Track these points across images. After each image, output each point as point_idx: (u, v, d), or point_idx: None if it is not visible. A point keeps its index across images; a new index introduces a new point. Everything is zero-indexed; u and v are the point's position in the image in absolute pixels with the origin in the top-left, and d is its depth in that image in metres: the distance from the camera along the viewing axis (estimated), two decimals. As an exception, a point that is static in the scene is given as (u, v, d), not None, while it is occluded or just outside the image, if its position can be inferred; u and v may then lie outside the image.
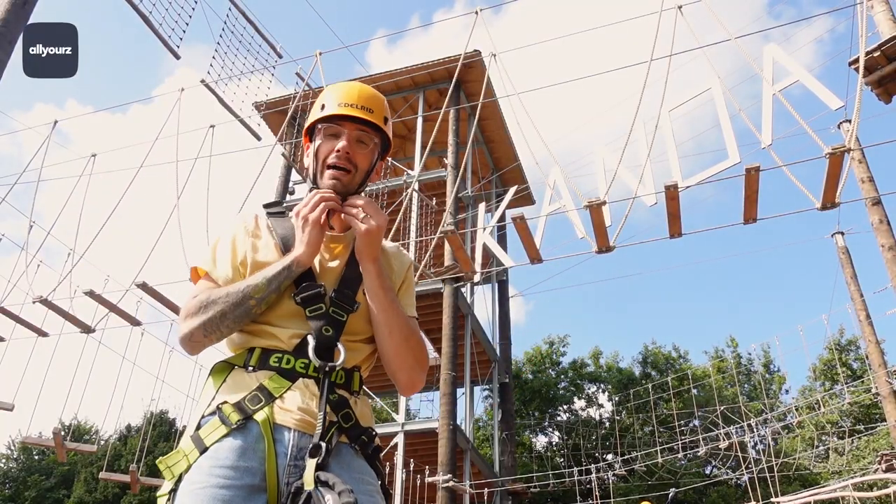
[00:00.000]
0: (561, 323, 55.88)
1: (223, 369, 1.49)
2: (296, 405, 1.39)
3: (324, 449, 1.33)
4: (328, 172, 1.55)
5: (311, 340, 1.44)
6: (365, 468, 1.42)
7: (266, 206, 1.71)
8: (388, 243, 1.71)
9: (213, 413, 1.40)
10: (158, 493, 1.38)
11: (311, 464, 1.31)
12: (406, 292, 1.66)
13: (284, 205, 1.71)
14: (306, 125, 1.65)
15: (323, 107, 1.60)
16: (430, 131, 11.62)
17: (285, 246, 1.56)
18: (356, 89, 1.61)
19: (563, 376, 25.57)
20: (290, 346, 1.45)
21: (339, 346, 1.46)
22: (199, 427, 1.40)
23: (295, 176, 15.74)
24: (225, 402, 1.39)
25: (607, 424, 23.47)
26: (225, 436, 1.35)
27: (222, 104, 8.36)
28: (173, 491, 1.34)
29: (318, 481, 1.27)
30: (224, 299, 1.44)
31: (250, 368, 1.45)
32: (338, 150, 1.55)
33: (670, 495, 12.58)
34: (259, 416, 1.36)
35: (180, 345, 1.49)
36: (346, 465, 1.37)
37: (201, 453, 1.34)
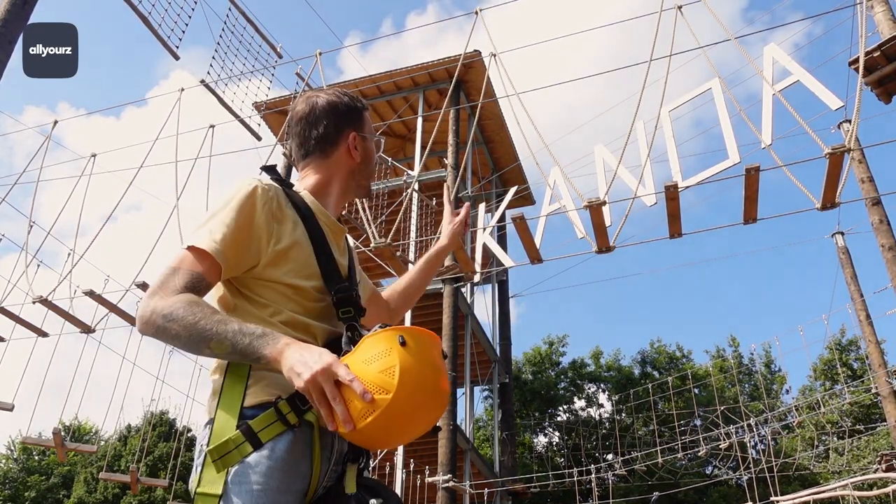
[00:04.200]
0: (555, 324, 55.87)
1: None
2: None
3: (365, 455, 1.32)
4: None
5: (343, 343, 1.34)
6: None
7: (266, 169, 1.59)
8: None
9: (263, 405, 1.26)
10: (201, 490, 1.21)
11: (352, 469, 1.30)
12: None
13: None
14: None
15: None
16: (430, 131, 11.61)
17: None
18: None
19: (562, 376, 25.57)
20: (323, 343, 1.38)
21: None
22: (244, 416, 1.25)
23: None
24: (279, 398, 1.26)
25: (607, 424, 23.46)
26: (281, 434, 1.24)
27: (222, 104, 8.35)
28: (225, 483, 1.21)
29: (360, 486, 1.28)
30: (188, 328, 1.22)
31: None
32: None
33: (653, 498, 12.61)
34: (310, 417, 1.27)
35: (138, 321, 1.28)
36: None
37: (255, 448, 1.22)
